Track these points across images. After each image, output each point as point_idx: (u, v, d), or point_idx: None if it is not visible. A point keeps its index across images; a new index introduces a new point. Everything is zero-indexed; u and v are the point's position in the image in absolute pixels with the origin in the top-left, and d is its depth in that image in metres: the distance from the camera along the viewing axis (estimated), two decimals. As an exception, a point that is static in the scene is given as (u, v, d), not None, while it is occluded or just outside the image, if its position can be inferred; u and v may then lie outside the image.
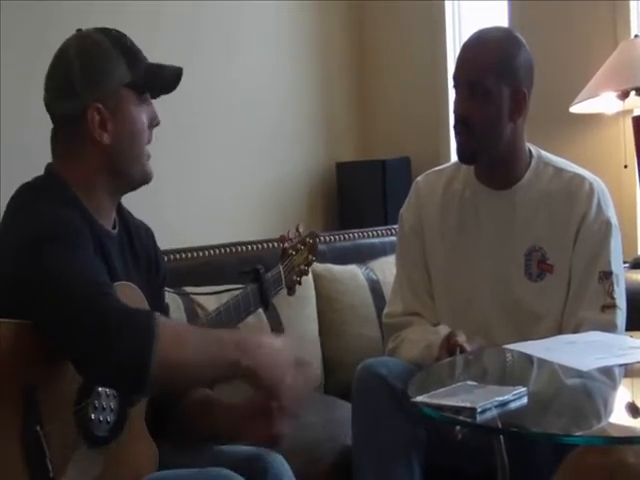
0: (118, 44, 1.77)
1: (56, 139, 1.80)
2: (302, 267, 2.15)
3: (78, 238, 1.63)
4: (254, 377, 1.63)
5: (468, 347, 2.08)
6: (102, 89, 1.73)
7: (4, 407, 1.53)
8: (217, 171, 3.99)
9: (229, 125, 4.03)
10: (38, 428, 1.54)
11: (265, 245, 3.07)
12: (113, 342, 1.49)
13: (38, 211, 1.65)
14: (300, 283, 2.15)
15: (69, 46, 1.77)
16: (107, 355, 1.49)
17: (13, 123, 3.28)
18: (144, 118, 1.79)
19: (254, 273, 1.99)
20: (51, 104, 1.78)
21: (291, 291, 2.13)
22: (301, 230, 2.18)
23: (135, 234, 1.90)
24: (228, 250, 3.00)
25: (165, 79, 1.82)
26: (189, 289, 2.75)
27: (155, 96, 1.84)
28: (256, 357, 1.62)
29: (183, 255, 2.89)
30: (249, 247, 3.06)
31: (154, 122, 1.82)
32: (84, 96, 1.73)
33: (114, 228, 1.83)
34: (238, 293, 1.95)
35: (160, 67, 1.81)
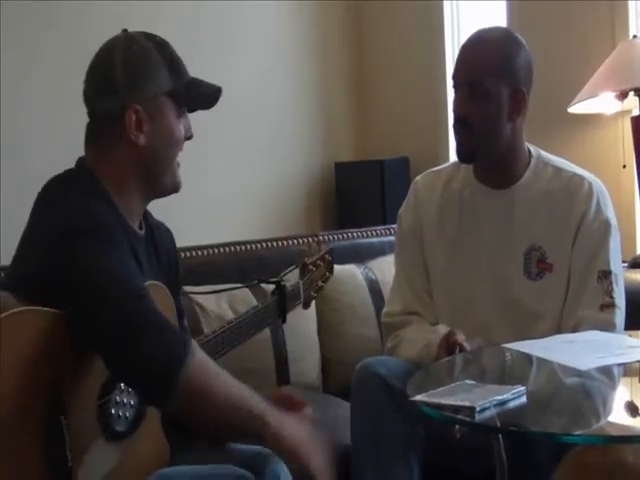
0: (162, 51, 1.79)
1: (91, 135, 1.80)
2: (319, 283, 2.18)
3: (112, 234, 1.64)
4: (279, 442, 1.61)
5: (467, 346, 2.08)
6: (143, 92, 1.75)
7: (32, 393, 1.54)
8: (216, 171, 4.00)
9: (228, 125, 4.03)
10: (62, 418, 1.55)
11: (264, 245, 3.07)
12: (142, 344, 1.51)
13: (70, 204, 1.66)
14: (316, 298, 2.18)
15: (115, 46, 1.78)
16: (135, 356, 1.51)
17: (13, 123, 3.29)
18: (180, 129, 1.81)
19: (277, 287, 2.01)
20: (90, 99, 1.79)
21: (306, 305, 2.16)
22: (322, 246, 2.22)
23: (157, 235, 1.91)
24: (227, 249, 3.01)
25: (204, 95, 1.84)
26: (188, 288, 2.75)
27: (192, 110, 1.86)
28: (284, 424, 1.60)
29: (182, 254, 2.88)
30: (248, 246, 3.06)
31: (188, 134, 1.84)
32: (124, 96, 1.74)
33: (141, 229, 1.84)
34: (258, 304, 1.98)
35: (200, 82, 1.83)
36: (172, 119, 1.79)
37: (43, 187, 1.74)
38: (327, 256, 2.22)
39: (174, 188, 1.85)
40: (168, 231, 1.98)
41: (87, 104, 1.80)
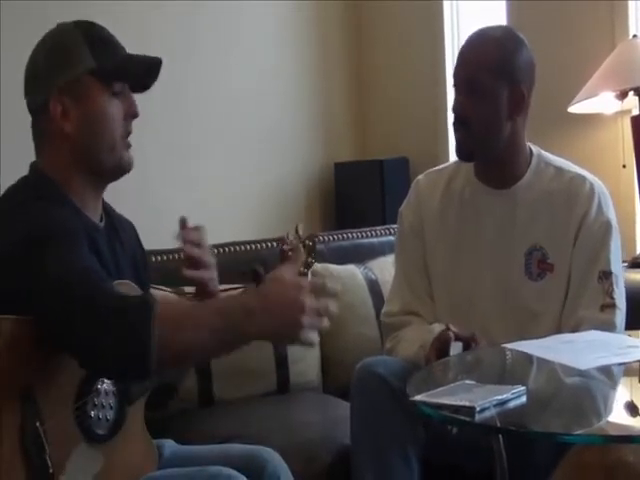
0: (86, 33, 1.74)
1: (33, 135, 1.79)
2: (301, 269, 2.14)
3: (74, 236, 1.61)
4: (267, 339, 1.62)
5: (455, 329, 2.08)
6: (63, 77, 1.71)
7: (4, 403, 1.52)
8: (216, 171, 4.00)
9: (228, 125, 4.03)
10: (38, 424, 1.53)
11: (263, 245, 3.07)
12: (114, 338, 1.47)
13: (29, 211, 1.63)
14: None
15: (41, 40, 1.77)
16: (108, 349, 1.48)
17: (13, 123, 3.28)
18: (113, 109, 1.74)
19: (253, 274, 1.97)
20: (26, 98, 1.78)
21: None
22: (301, 232, 2.17)
23: (121, 229, 1.88)
24: (226, 250, 3.00)
25: (137, 68, 1.77)
26: (187, 289, 2.75)
27: (135, 88, 1.79)
28: (263, 321, 1.52)
29: (181, 254, 2.88)
30: (247, 247, 3.06)
31: (130, 113, 1.77)
32: (47, 86, 1.72)
33: (101, 221, 1.81)
34: (237, 294, 1.94)
35: (132, 58, 1.77)
36: (99, 99, 1.73)
37: (0, 199, 1.72)
38: (307, 242, 2.17)
39: (121, 169, 1.78)
40: (130, 223, 1.96)
41: (27, 105, 1.78)
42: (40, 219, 1.61)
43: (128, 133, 1.78)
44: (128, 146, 1.78)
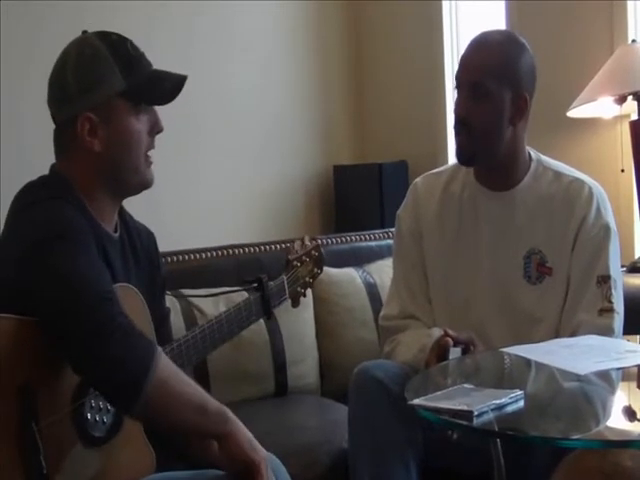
0: (116, 51, 1.75)
1: (56, 141, 1.80)
2: (307, 279, 2.15)
3: (83, 238, 1.63)
4: (234, 444, 1.64)
5: (453, 333, 2.08)
6: (94, 98, 1.72)
7: (3, 400, 1.52)
8: (215, 174, 4.00)
9: (227, 129, 4.04)
10: (33, 425, 1.53)
11: (262, 248, 3.08)
12: (109, 347, 1.49)
13: (43, 209, 1.65)
14: (304, 295, 2.15)
15: (69, 52, 1.77)
16: (101, 359, 1.50)
17: (13, 123, 3.28)
18: (141, 127, 1.77)
19: (257, 282, 1.99)
20: (50, 106, 1.79)
21: (295, 303, 2.13)
22: (307, 242, 2.18)
23: (137, 236, 1.89)
24: (226, 253, 3.01)
25: (165, 89, 1.79)
26: (187, 292, 2.75)
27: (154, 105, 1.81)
28: (241, 428, 1.65)
29: (181, 257, 2.89)
30: (247, 250, 3.06)
31: (155, 129, 1.80)
32: (76, 104, 1.73)
33: (115, 231, 1.82)
34: (240, 301, 1.95)
35: (160, 77, 1.79)
36: (128, 119, 1.75)
37: (17, 193, 1.73)
38: (314, 252, 2.18)
39: (143, 187, 1.82)
40: (150, 234, 1.96)
41: (50, 112, 1.79)
42: (52, 220, 1.62)
43: (150, 148, 1.80)
44: (149, 164, 1.81)
